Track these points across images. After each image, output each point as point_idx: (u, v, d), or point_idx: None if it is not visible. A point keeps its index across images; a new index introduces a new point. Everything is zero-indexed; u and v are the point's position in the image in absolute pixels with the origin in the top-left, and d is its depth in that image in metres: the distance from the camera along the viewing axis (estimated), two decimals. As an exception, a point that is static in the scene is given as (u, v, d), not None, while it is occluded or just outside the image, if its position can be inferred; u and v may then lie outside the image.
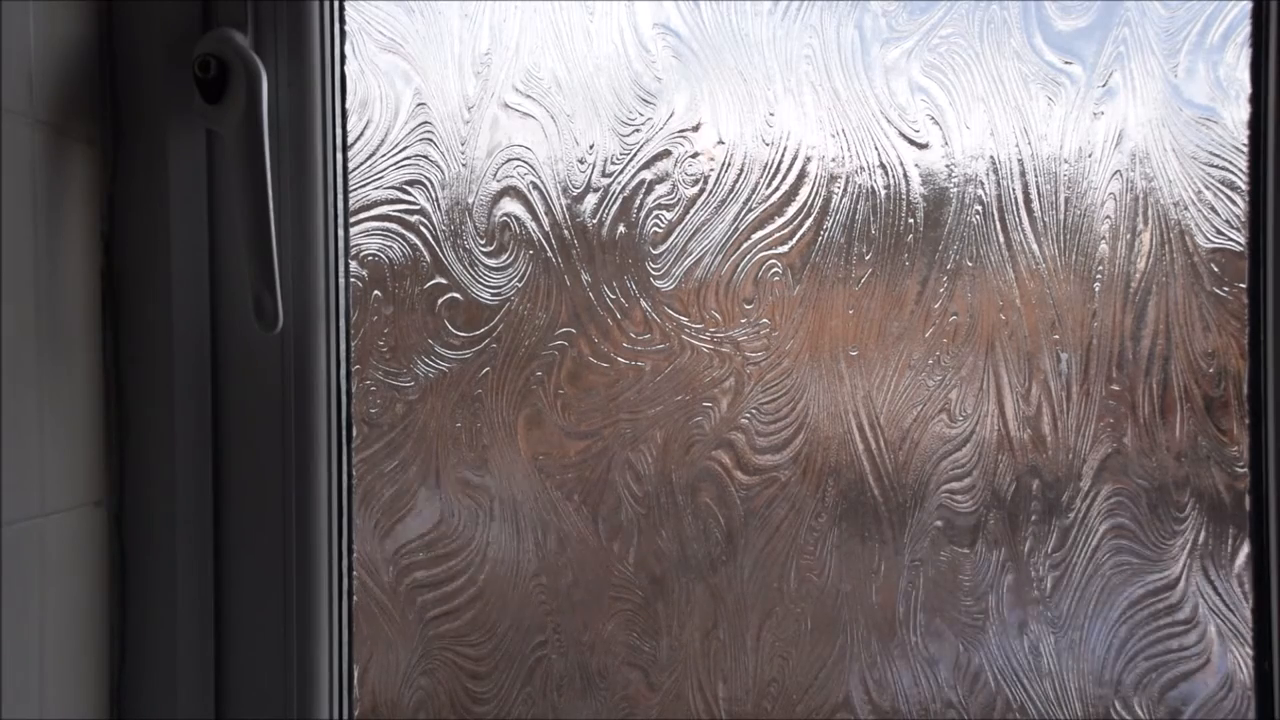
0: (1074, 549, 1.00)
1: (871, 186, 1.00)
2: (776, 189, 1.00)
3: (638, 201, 1.01)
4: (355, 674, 1.02)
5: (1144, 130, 0.98)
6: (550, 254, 1.02)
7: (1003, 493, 1.00)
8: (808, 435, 1.01)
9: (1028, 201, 0.99)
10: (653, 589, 1.03)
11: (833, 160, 1.00)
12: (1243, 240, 0.98)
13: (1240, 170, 0.98)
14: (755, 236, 1.01)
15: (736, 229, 1.01)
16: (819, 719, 1.02)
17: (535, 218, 1.02)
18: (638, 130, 1.01)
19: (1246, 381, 0.98)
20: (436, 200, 1.02)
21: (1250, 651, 0.99)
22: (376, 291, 1.02)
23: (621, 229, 1.01)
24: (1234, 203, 0.98)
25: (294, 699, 0.96)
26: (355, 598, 1.02)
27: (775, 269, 1.01)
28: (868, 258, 1.00)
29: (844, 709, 1.02)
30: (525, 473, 1.03)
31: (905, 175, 1.00)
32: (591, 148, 1.01)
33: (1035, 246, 0.99)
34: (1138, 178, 0.99)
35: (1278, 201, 0.95)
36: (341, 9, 0.99)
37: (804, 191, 1.00)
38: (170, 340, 0.92)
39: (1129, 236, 0.99)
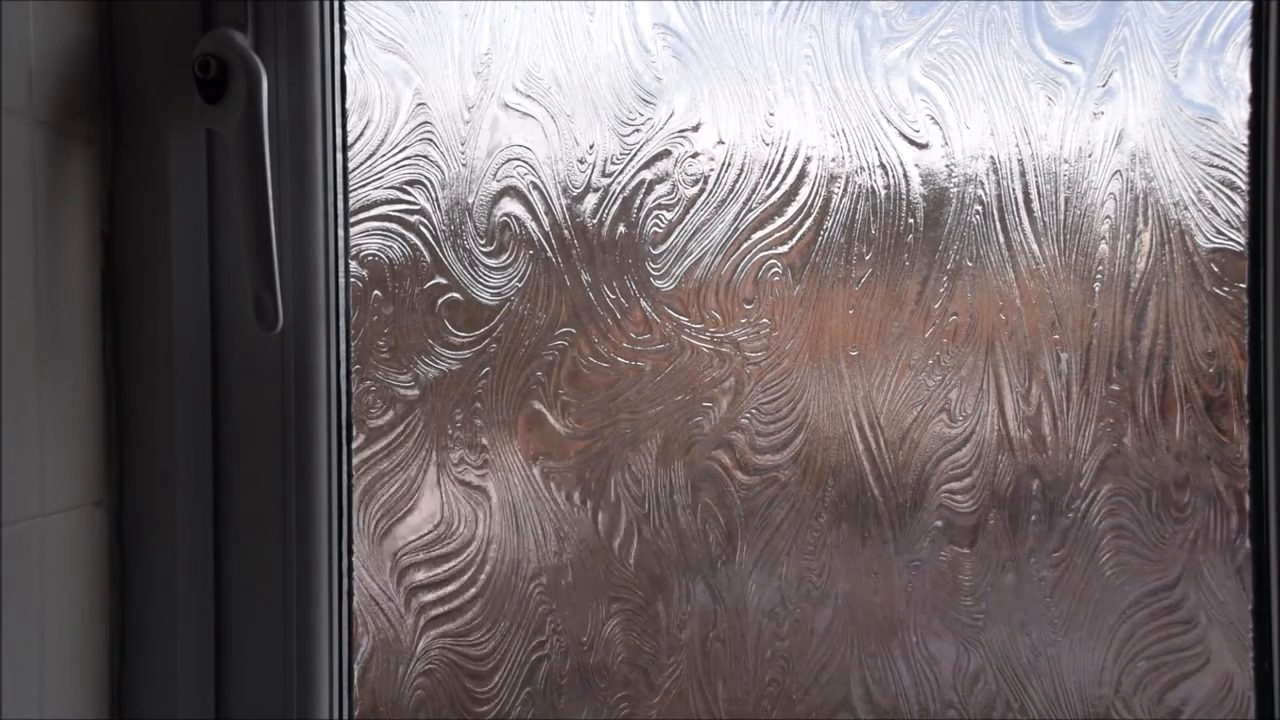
0: (1074, 549, 1.00)
1: (871, 186, 1.00)
2: (776, 189, 1.00)
3: (638, 201, 1.01)
4: (355, 674, 1.03)
5: (1144, 130, 0.98)
6: (550, 254, 1.02)
7: (1003, 493, 1.00)
8: (808, 435, 1.01)
9: (1028, 201, 0.99)
10: (653, 589, 1.03)
11: (833, 160, 1.00)
12: (1243, 240, 0.98)
13: (1240, 170, 0.98)
14: (755, 236, 1.01)
15: (736, 229, 1.01)
16: (819, 719, 1.02)
17: (535, 218, 1.02)
18: (638, 130, 1.01)
19: (1246, 381, 0.98)
20: (436, 200, 1.02)
21: (1250, 651, 0.99)
22: (376, 291, 1.02)
23: (621, 229, 1.01)
24: (1234, 203, 0.98)
25: (294, 699, 0.96)
26: (355, 597, 1.02)
27: (775, 269, 1.01)
28: (868, 258, 1.00)
29: (844, 709, 1.02)
30: (525, 473, 1.03)
31: (905, 175, 1.00)
32: (591, 148, 1.01)
33: (1035, 246, 0.99)
34: (1138, 178, 0.99)
35: (1278, 201, 0.95)
36: (341, 9, 0.99)
37: (804, 191, 1.00)
38: (170, 340, 0.92)
39: (1129, 236, 0.99)
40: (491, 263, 1.02)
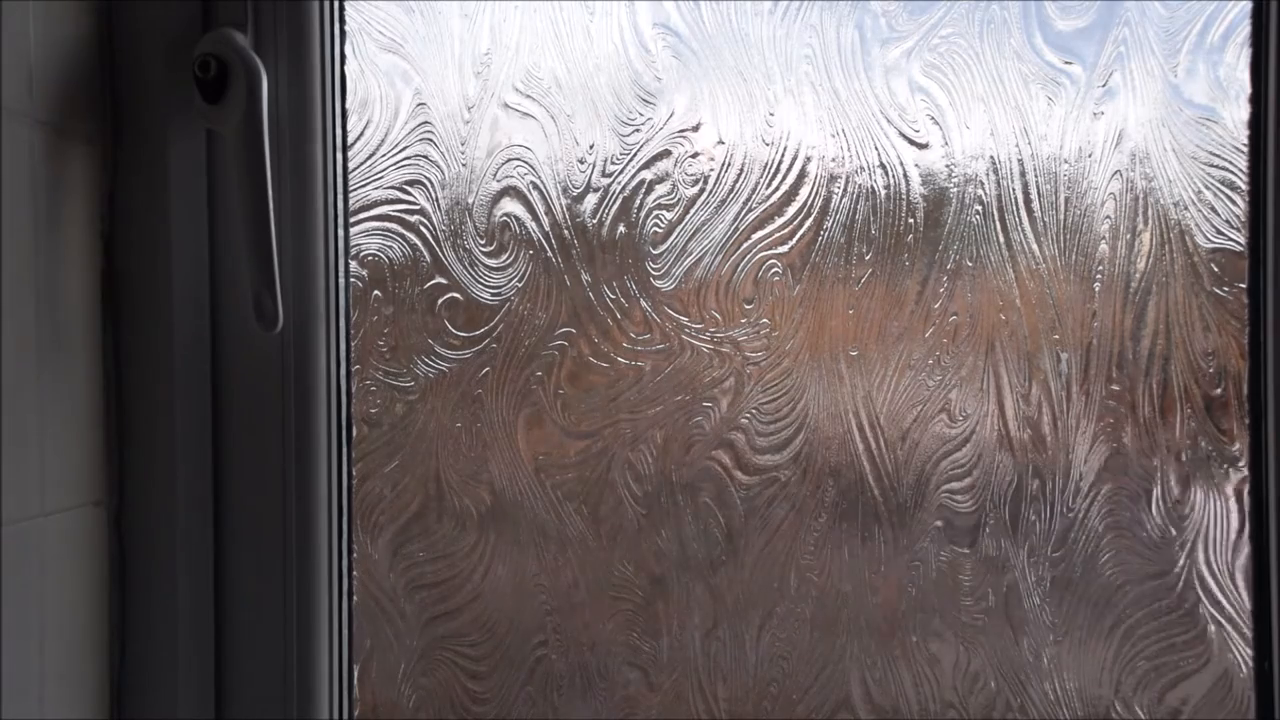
0: (1074, 549, 1.00)
1: (871, 186, 1.00)
2: (776, 189, 1.00)
3: (638, 201, 1.01)
4: (355, 674, 1.02)
5: (1144, 130, 0.98)
6: (550, 254, 1.02)
7: (1003, 493, 1.00)
8: (808, 435, 1.01)
9: (1028, 201, 0.99)
10: (653, 589, 1.03)
11: (833, 160, 1.00)
12: (1243, 240, 0.98)
13: (1240, 170, 0.98)
14: (755, 236, 1.01)
15: (736, 229, 1.01)
16: (819, 719, 1.02)
17: (535, 218, 1.02)
18: (638, 130, 1.01)
19: (1246, 381, 0.98)
20: (436, 200, 1.02)
21: (1250, 651, 0.99)
22: (376, 291, 1.02)
23: (621, 229, 1.01)
24: (1234, 203, 0.98)
25: (294, 699, 0.96)
26: (355, 598, 1.02)
27: (775, 269, 1.01)
28: (868, 258, 1.00)
29: (844, 709, 1.02)
30: (525, 473, 1.03)
31: (905, 175, 1.00)
32: (591, 148, 1.01)
33: (1035, 246, 0.99)
34: (1138, 178, 0.99)
35: (1278, 201, 0.95)
36: (341, 9, 0.99)
37: (804, 191, 1.00)
38: (170, 340, 0.92)
39: (1129, 236, 0.99)
40: (491, 263, 1.02)
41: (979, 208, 0.99)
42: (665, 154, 1.01)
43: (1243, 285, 0.98)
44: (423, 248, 1.02)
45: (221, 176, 0.94)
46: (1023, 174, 0.99)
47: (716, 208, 1.01)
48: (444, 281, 1.02)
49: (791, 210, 1.00)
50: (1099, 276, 0.99)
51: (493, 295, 1.02)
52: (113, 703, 0.93)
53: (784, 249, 1.01)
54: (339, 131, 0.98)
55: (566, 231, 1.01)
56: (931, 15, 0.99)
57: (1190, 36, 0.98)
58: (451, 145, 1.01)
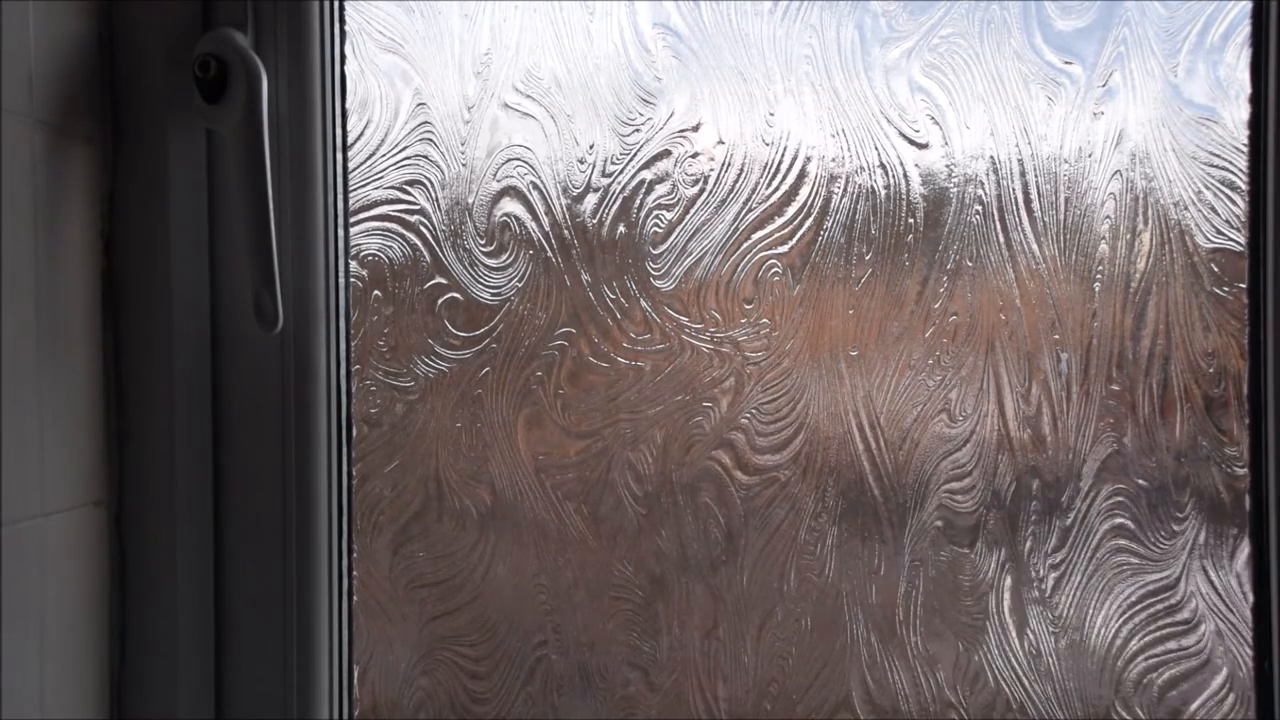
0: (1074, 549, 1.00)
1: (871, 186, 1.00)
2: (776, 189, 1.00)
3: (638, 201, 1.01)
4: (355, 674, 1.02)
5: (1144, 130, 0.98)
6: (550, 254, 1.02)
7: (1003, 493, 1.00)
8: (808, 435, 1.01)
9: (1028, 201, 0.99)
10: (653, 589, 1.03)
11: (833, 160, 1.00)
12: (1243, 240, 0.98)
13: (1240, 170, 0.98)
14: (755, 236, 1.01)
15: (736, 229, 1.01)
16: (819, 719, 1.02)
17: (535, 218, 1.02)
18: (638, 130, 1.01)
19: (1246, 381, 0.98)
20: (436, 200, 1.02)
21: (1250, 651, 0.99)
22: (376, 291, 1.02)
23: (621, 229, 1.01)
24: (1234, 203, 0.98)
25: (294, 699, 0.96)
26: (355, 597, 1.02)
27: (775, 269, 1.01)
28: (868, 258, 1.00)
29: (844, 709, 1.02)
30: (525, 472, 1.03)
31: (905, 175, 1.00)
32: (591, 148, 1.01)
33: (1035, 246, 0.99)
34: (1138, 178, 0.99)
35: (1278, 201, 0.95)
36: (341, 9, 0.99)
37: (804, 191, 1.00)
38: (170, 340, 0.92)
39: (1129, 236, 0.99)
40: (491, 263, 1.02)
41: (979, 208, 0.99)
42: (665, 154, 1.01)
43: (1243, 285, 0.98)
44: (423, 248, 1.02)
45: (221, 176, 0.94)
46: (1023, 174, 0.99)
47: (716, 208, 1.01)
48: (444, 281, 1.02)
49: (791, 210, 1.00)
50: (1099, 276, 0.99)
51: (493, 295, 1.02)
52: (113, 703, 0.93)
53: (784, 249, 1.01)
54: (339, 131, 0.98)
55: (566, 231, 1.02)
56: (931, 15, 0.99)
57: (1190, 36, 0.98)
58: (451, 145, 1.02)
